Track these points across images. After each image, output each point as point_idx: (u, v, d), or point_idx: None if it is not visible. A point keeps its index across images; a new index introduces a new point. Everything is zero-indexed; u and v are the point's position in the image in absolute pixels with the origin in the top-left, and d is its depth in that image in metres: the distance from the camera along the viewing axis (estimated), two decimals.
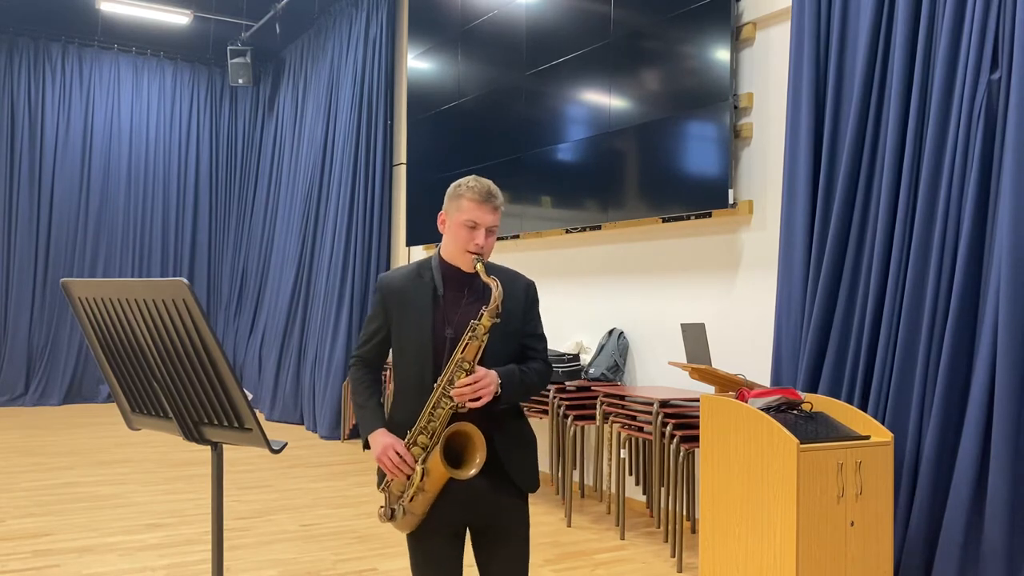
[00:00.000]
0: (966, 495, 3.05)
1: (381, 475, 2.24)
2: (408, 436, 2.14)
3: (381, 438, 2.16)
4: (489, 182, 2.20)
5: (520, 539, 2.24)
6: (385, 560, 4.07)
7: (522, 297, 2.25)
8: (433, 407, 2.10)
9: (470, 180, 2.19)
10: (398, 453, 2.12)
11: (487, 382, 2.07)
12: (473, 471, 2.06)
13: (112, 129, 10.08)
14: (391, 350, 2.28)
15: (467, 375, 2.08)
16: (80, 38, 9.88)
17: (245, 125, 10.84)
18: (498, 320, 2.10)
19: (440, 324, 2.17)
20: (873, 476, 2.94)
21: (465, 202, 2.16)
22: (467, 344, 2.08)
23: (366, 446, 2.23)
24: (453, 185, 2.22)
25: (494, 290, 2.08)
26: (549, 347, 4.26)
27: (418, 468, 2.10)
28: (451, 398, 2.07)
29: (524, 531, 2.25)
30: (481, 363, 2.12)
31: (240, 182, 10.83)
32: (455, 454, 2.12)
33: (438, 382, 2.10)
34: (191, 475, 5.90)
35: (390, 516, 2.20)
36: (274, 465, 6.32)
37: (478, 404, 2.07)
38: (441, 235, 2.27)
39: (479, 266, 2.12)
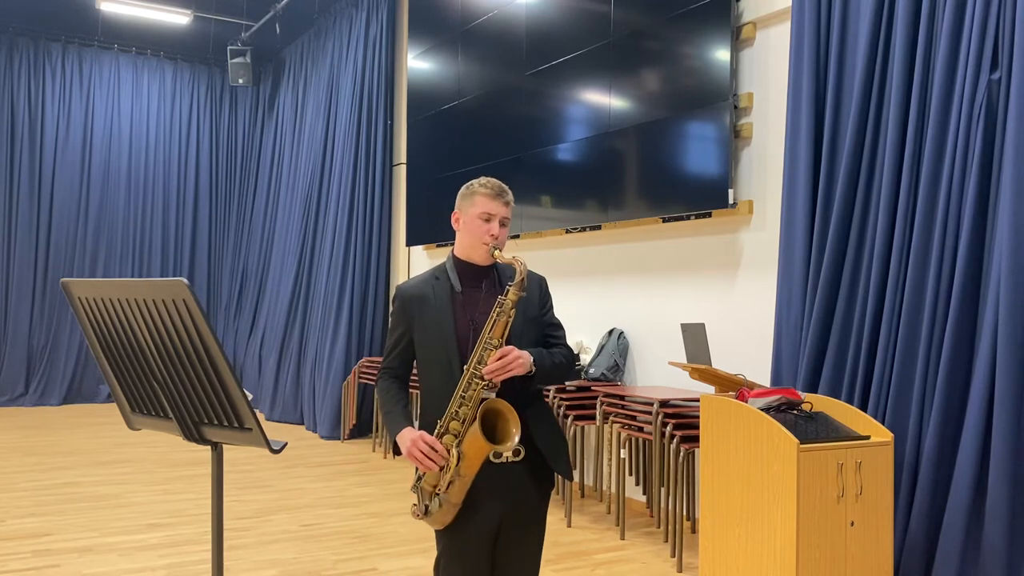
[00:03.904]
0: (966, 495, 3.05)
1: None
2: (438, 425, 2.17)
3: (407, 434, 2.20)
4: (498, 181, 2.32)
5: (538, 535, 2.31)
6: (385, 560, 4.07)
7: (537, 289, 2.34)
8: (464, 391, 2.14)
9: (481, 179, 2.31)
10: (427, 443, 2.13)
11: (515, 355, 2.12)
12: (512, 443, 2.08)
13: (112, 129, 10.07)
14: (416, 355, 2.32)
15: (496, 350, 2.13)
16: (80, 38, 9.87)
17: (245, 125, 10.84)
18: (524, 294, 2.16)
19: (462, 319, 2.24)
20: (873, 476, 2.94)
21: (479, 197, 2.26)
22: (495, 321, 2.13)
23: (396, 451, 2.27)
24: (465, 186, 2.32)
25: (517, 266, 2.16)
26: None
27: (453, 452, 2.12)
28: (481, 378, 2.11)
29: (543, 525, 2.32)
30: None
31: (240, 182, 10.83)
32: (489, 431, 2.12)
33: (468, 364, 2.14)
34: (191, 475, 5.90)
35: (424, 512, 2.21)
36: (274, 465, 6.32)
37: (507, 376, 2.11)
38: (453, 236, 2.36)
39: (497, 252, 2.21)
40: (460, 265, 2.30)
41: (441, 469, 2.14)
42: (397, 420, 2.25)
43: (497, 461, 2.15)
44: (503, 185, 2.30)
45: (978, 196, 3.12)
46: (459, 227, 2.31)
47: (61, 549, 4.18)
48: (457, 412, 2.14)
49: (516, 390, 2.18)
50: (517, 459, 2.14)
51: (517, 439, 2.09)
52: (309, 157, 8.86)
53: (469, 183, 2.31)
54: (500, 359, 2.10)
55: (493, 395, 2.13)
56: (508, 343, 2.16)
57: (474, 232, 2.25)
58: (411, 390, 2.45)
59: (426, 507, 2.20)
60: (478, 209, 2.24)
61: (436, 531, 2.25)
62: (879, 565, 2.94)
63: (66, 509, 4.95)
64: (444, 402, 2.18)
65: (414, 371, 2.36)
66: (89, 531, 4.50)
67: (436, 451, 2.13)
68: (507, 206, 2.27)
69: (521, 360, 2.13)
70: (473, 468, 2.12)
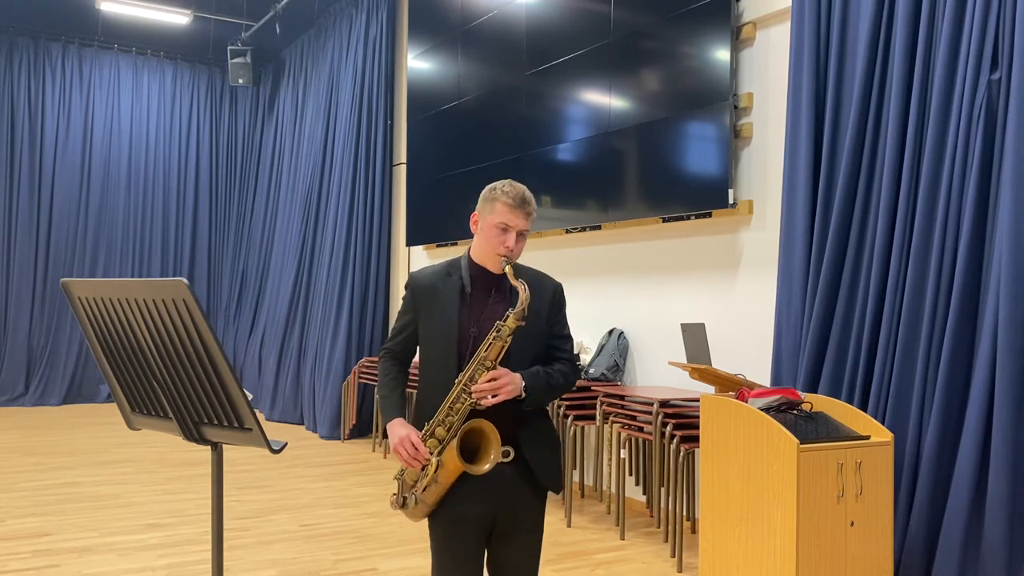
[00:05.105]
0: (966, 495, 3.05)
1: None
2: (425, 428, 2.18)
3: (398, 428, 2.20)
4: (524, 188, 2.23)
5: (534, 537, 2.29)
6: (385, 560, 4.07)
7: (548, 299, 2.29)
8: (453, 402, 2.14)
9: (505, 184, 2.22)
10: (413, 444, 2.15)
11: (506, 381, 2.11)
12: (487, 467, 2.11)
13: (112, 129, 10.08)
14: (419, 345, 2.32)
15: (488, 371, 2.12)
16: (80, 38, 9.88)
17: (245, 125, 10.84)
18: (523, 323, 2.14)
19: (466, 322, 2.21)
20: (873, 476, 2.94)
21: (499, 205, 2.19)
22: (491, 343, 2.12)
23: (386, 435, 2.28)
24: (488, 187, 2.25)
25: (521, 293, 2.12)
26: None
27: (433, 460, 2.14)
28: (470, 394, 2.11)
29: (539, 529, 2.30)
30: (507, 362, 2.16)
31: (240, 182, 10.83)
32: (471, 449, 2.15)
33: (459, 378, 2.14)
34: (191, 475, 5.90)
35: (402, 504, 2.25)
36: (274, 465, 6.32)
37: (494, 401, 2.10)
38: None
39: (508, 269, 2.16)
40: (474, 268, 2.26)
41: (423, 469, 2.17)
42: (391, 408, 2.28)
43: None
44: (526, 195, 2.21)
45: (978, 196, 3.12)
46: (476, 230, 2.25)
47: (61, 549, 4.18)
48: (443, 420, 2.15)
49: (509, 409, 2.16)
50: (506, 460, 2.13)
51: (489, 466, 2.10)
52: (309, 157, 8.86)
53: (493, 185, 2.23)
54: (489, 381, 2.09)
55: (484, 407, 2.13)
56: (509, 356, 2.15)
57: (490, 240, 2.19)
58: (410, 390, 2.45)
59: (404, 499, 2.24)
60: (496, 218, 2.17)
61: (429, 531, 2.26)
62: (879, 565, 2.94)
63: (66, 509, 4.95)
64: (437, 397, 2.19)
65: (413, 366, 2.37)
66: (89, 531, 4.50)
67: (419, 452, 2.15)
68: (527, 217, 2.19)
69: (511, 387, 2.11)
70: (450, 478, 2.15)
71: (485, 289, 2.25)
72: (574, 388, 4.98)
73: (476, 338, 2.18)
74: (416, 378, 2.34)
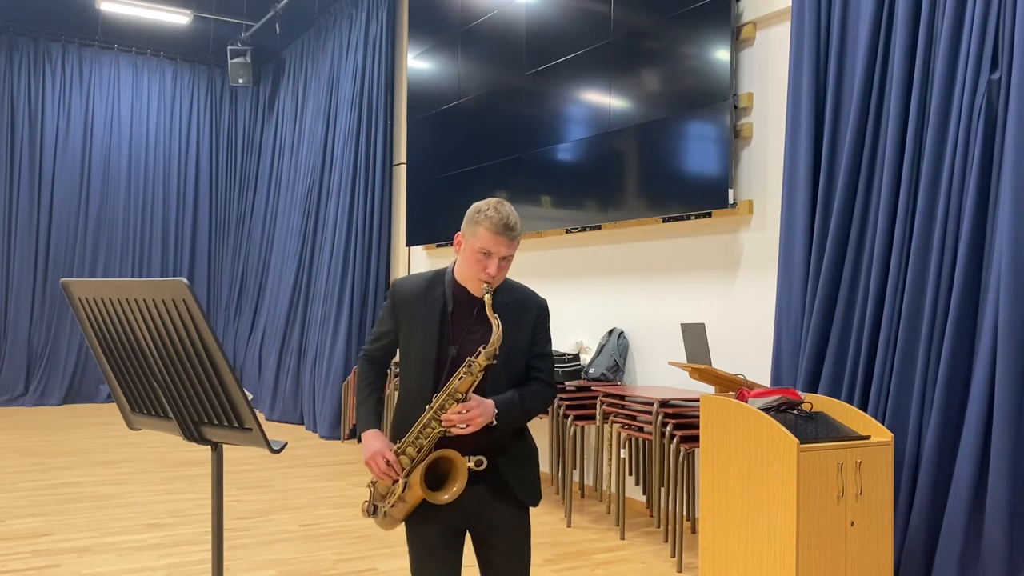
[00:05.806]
0: (966, 495, 3.05)
1: None
2: (398, 445, 2.18)
3: (372, 441, 2.19)
4: (509, 211, 2.13)
5: (521, 543, 2.27)
6: (385, 560, 4.07)
7: (532, 318, 2.25)
8: (424, 426, 2.14)
9: (490, 208, 2.13)
10: (387, 460, 2.15)
11: (476, 413, 2.09)
12: (446, 497, 2.12)
13: (112, 129, 10.08)
14: (399, 355, 2.30)
15: (459, 403, 2.10)
16: (80, 38, 9.88)
17: (245, 125, 10.84)
18: (494, 362, 2.12)
19: (445, 341, 2.19)
20: (873, 476, 2.94)
21: (481, 230, 2.11)
22: (461, 377, 2.10)
23: (360, 441, 2.29)
24: (473, 208, 2.17)
25: (495, 331, 2.09)
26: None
27: (400, 480, 2.15)
28: (440, 422, 2.11)
29: (525, 536, 2.28)
30: (485, 380, 2.15)
31: (240, 182, 10.83)
32: (438, 474, 2.16)
33: (430, 405, 2.13)
34: (191, 475, 5.90)
35: (372, 512, 2.26)
36: (274, 465, 6.32)
37: (465, 431, 2.10)
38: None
39: (487, 299, 2.11)
40: (456, 287, 2.22)
41: (394, 483, 2.17)
42: (367, 417, 2.26)
43: (470, 467, 2.14)
44: (510, 220, 2.11)
45: (978, 196, 3.12)
46: (459, 251, 2.19)
47: (61, 549, 4.18)
48: (415, 441, 2.15)
49: (484, 429, 2.15)
50: (480, 468, 2.12)
51: (448, 497, 2.11)
52: (309, 157, 8.86)
53: (478, 207, 2.15)
54: (459, 412, 2.08)
55: (454, 435, 2.13)
56: (486, 380, 2.14)
57: (472, 265, 2.13)
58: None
59: (375, 507, 2.25)
60: (478, 243, 2.10)
61: (406, 534, 2.27)
62: (879, 565, 2.94)
63: (66, 509, 4.95)
64: (413, 411, 2.18)
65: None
66: (89, 531, 4.50)
67: (391, 469, 2.15)
68: (511, 243, 2.11)
69: (481, 418, 2.09)
70: (417, 498, 2.15)
71: (467, 309, 2.20)
72: (574, 388, 4.99)
73: (455, 358, 2.15)
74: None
